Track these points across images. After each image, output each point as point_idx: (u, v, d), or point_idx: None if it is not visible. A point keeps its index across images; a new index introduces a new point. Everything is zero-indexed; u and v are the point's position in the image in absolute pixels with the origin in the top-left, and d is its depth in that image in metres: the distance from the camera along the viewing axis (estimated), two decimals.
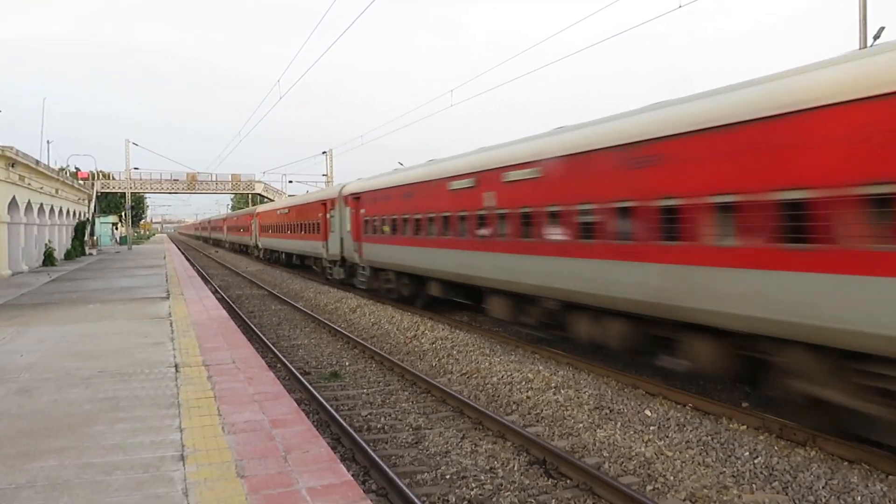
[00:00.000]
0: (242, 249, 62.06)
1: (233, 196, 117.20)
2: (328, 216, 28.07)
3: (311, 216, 31.35)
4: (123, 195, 71.61)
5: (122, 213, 77.55)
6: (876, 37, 19.46)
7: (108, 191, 76.87)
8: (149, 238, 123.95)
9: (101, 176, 74.09)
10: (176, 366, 9.43)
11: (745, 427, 8.82)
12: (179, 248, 67.34)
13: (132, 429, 6.56)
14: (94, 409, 7.28)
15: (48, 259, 35.99)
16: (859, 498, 6.49)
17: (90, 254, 49.13)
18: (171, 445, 6.05)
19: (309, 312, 20.58)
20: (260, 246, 49.61)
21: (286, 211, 39.00)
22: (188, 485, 5.11)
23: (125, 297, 18.79)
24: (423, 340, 15.30)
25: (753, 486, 6.97)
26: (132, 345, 11.13)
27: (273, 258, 45.43)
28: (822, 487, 6.77)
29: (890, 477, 7.11)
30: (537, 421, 9.49)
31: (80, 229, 49.42)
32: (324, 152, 63.15)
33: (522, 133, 18.31)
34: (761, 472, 7.23)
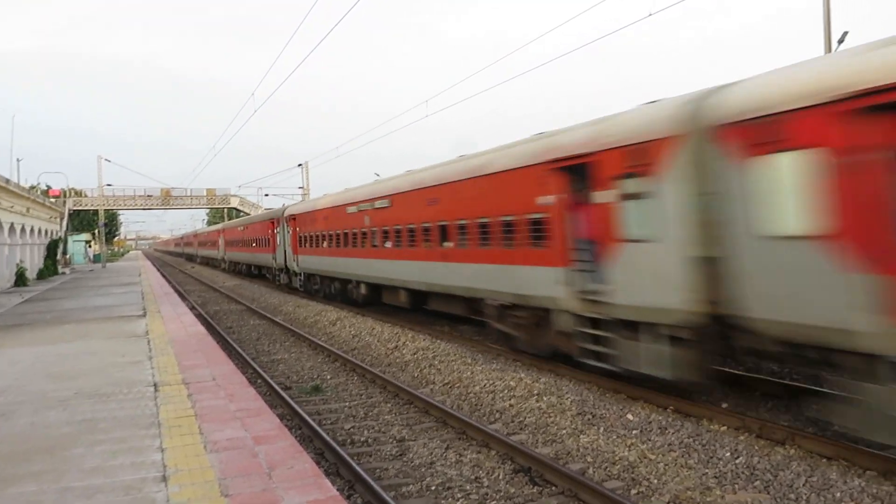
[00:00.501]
0: (254, 272, 42.24)
1: (208, 211, 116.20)
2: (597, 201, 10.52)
3: (495, 206, 13.53)
4: (96, 212, 70.67)
5: (96, 231, 76.49)
6: (840, 41, 19.90)
7: (80, 208, 75.81)
8: (123, 255, 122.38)
9: (72, 193, 73.09)
10: (155, 384, 9.32)
11: (725, 428, 8.92)
12: (155, 265, 66.54)
13: (112, 450, 6.47)
14: (73, 432, 7.17)
15: (20, 279, 35.38)
16: (838, 494, 6.59)
17: (63, 273, 48.37)
18: (153, 466, 5.98)
19: (288, 326, 20.44)
20: (297, 269, 30.02)
21: (384, 203, 19.77)
22: None
23: (100, 315, 18.53)
24: (404, 351, 15.27)
25: (736, 486, 7.04)
26: (109, 364, 10.98)
27: (325, 291, 26.85)
28: (803, 485, 6.86)
29: (867, 472, 7.23)
30: (521, 429, 9.52)
31: (52, 248, 48.72)
32: (299, 165, 62.91)
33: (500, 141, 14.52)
34: (743, 472, 7.31)
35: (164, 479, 5.64)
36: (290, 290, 32.04)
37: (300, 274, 30.10)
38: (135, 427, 7.27)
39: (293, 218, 30.58)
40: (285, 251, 32.01)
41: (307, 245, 28.41)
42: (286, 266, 32.22)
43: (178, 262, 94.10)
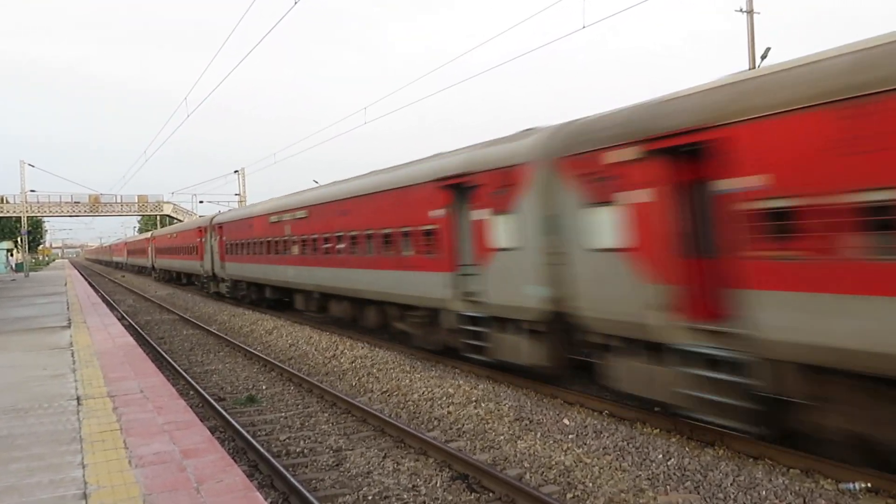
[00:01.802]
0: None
1: (140, 218, 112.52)
2: None
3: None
4: (19, 219, 67.48)
5: (18, 239, 72.99)
6: (763, 56, 20.79)
7: (1, 215, 72.29)
8: (48, 264, 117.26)
9: None
10: (78, 398, 8.91)
11: (658, 431, 9.12)
12: (83, 274, 63.95)
13: (29, 468, 6.13)
14: None
15: None
16: (764, 492, 6.81)
17: None
18: (73, 483, 5.69)
19: (223, 336, 19.92)
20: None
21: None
22: None
23: (21, 327, 17.63)
24: (342, 360, 15.07)
25: (668, 487, 7.19)
26: (29, 378, 10.44)
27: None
28: (731, 484, 7.06)
29: (791, 470, 7.51)
30: (459, 436, 9.50)
31: None
32: (236, 171, 61.53)
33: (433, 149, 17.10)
34: (674, 474, 7.47)
35: (85, 496, 5.37)
36: (221, 298, 32.01)
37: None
38: (55, 443, 6.92)
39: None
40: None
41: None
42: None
43: (106, 270, 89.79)
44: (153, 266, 56.33)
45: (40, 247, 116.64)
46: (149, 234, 61.39)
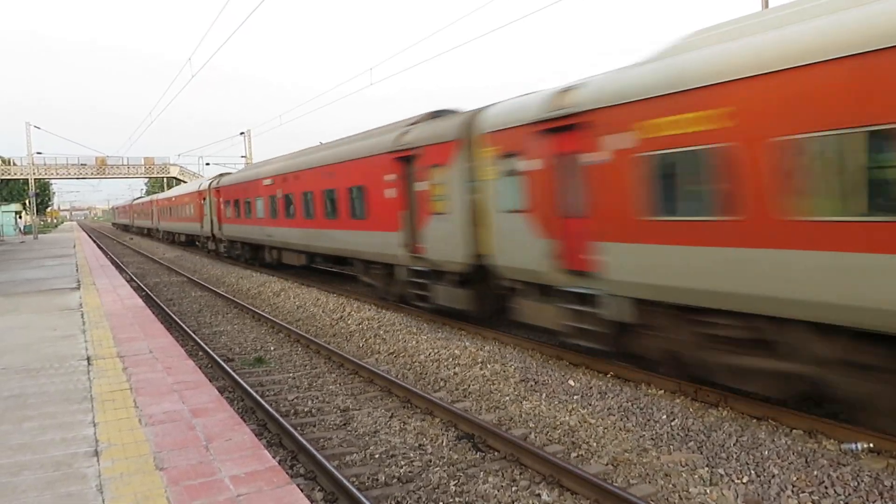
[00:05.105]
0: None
1: (147, 180, 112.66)
2: None
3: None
4: (26, 182, 67.67)
5: (26, 201, 73.29)
6: None
7: (8, 177, 72.53)
8: (56, 227, 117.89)
9: (0, 162, 69.70)
10: (88, 358, 9.02)
11: (662, 392, 9.18)
12: (91, 237, 64.27)
13: (41, 426, 6.24)
14: None
15: None
16: (766, 452, 6.87)
17: None
18: (84, 441, 5.79)
19: (231, 298, 20.06)
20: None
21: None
22: (103, 480, 4.91)
23: (31, 289, 17.79)
24: (349, 321, 15.18)
25: (671, 447, 7.27)
26: (39, 339, 10.57)
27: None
28: (734, 444, 7.13)
29: (794, 431, 7.56)
30: (465, 396, 9.59)
31: None
32: (242, 133, 61.19)
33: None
34: (678, 434, 7.54)
35: (97, 453, 5.47)
36: (232, 260, 32.12)
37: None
38: (66, 402, 7.03)
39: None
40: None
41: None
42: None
43: (116, 233, 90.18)
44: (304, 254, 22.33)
45: (48, 209, 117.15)
46: (291, 160, 22.78)
